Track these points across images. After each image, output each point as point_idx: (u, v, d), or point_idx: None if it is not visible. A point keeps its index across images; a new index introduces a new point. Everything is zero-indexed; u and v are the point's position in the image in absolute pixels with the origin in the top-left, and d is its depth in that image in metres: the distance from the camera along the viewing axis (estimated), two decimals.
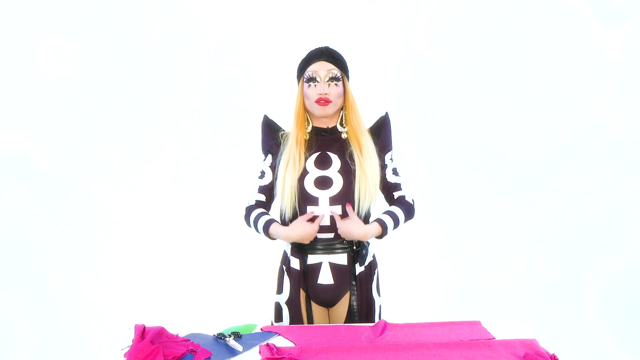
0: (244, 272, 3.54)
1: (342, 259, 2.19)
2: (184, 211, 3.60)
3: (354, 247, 2.20)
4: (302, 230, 2.11)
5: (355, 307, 2.17)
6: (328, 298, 2.19)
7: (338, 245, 2.19)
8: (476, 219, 3.61)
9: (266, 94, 3.49)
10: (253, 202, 2.27)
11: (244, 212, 2.29)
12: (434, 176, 3.60)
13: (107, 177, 3.55)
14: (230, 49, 3.53)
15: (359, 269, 2.20)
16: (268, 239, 2.24)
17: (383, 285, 2.38)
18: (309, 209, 2.16)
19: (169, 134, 3.55)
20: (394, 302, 2.91)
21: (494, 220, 3.62)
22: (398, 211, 2.21)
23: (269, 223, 2.19)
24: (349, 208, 2.12)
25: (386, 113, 2.33)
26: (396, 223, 2.20)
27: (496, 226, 3.62)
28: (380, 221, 2.17)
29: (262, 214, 2.22)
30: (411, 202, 2.26)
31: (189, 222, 3.61)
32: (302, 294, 2.19)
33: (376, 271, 2.27)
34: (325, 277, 2.18)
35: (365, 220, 2.20)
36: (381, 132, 2.27)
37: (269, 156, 2.28)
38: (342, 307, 2.20)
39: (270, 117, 2.34)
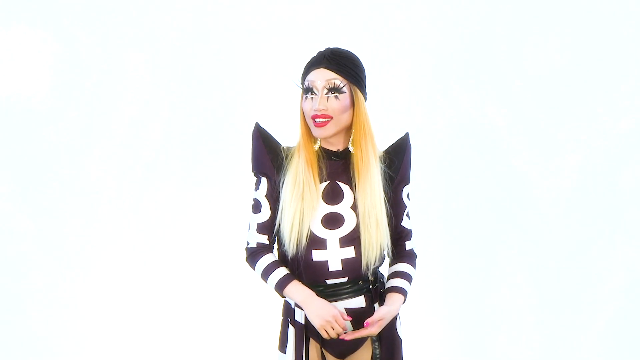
0: (240, 322, 3.10)
1: (358, 301, 1.91)
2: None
3: (370, 286, 1.93)
4: (326, 319, 1.82)
5: (378, 354, 1.90)
6: (346, 347, 1.92)
7: (353, 288, 1.91)
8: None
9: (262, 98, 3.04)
10: (254, 245, 1.94)
11: (244, 254, 1.98)
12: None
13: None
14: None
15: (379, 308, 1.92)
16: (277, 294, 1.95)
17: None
18: (315, 253, 1.85)
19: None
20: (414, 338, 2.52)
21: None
22: (411, 270, 1.98)
23: (285, 281, 1.88)
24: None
25: (406, 134, 2.01)
26: (410, 284, 1.98)
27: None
28: (401, 291, 1.93)
29: (274, 264, 1.92)
30: (416, 255, 2.03)
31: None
32: (312, 348, 1.91)
33: None
34: None
35: (379, 260, 1.93)
36: (403, 159, 1.96)
37: (264, 181, 1.93)
38: (362, 355, 1.93)
39: (263, 125, 1.97)
